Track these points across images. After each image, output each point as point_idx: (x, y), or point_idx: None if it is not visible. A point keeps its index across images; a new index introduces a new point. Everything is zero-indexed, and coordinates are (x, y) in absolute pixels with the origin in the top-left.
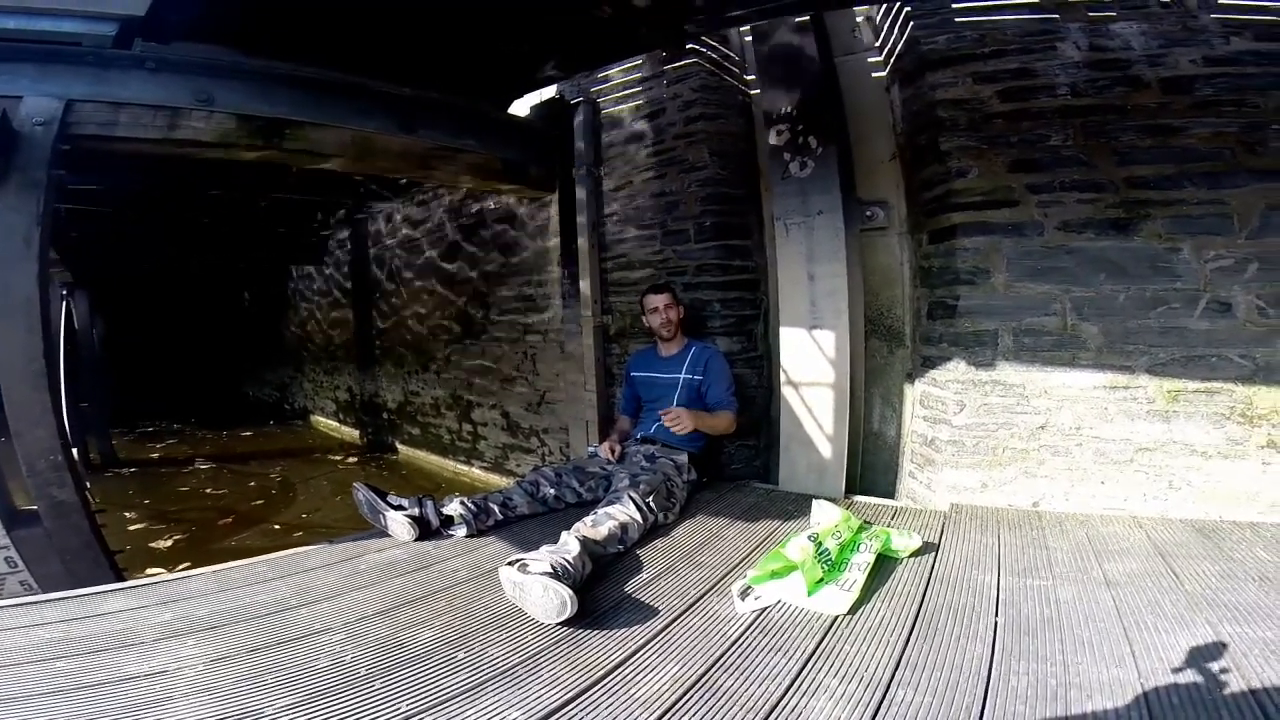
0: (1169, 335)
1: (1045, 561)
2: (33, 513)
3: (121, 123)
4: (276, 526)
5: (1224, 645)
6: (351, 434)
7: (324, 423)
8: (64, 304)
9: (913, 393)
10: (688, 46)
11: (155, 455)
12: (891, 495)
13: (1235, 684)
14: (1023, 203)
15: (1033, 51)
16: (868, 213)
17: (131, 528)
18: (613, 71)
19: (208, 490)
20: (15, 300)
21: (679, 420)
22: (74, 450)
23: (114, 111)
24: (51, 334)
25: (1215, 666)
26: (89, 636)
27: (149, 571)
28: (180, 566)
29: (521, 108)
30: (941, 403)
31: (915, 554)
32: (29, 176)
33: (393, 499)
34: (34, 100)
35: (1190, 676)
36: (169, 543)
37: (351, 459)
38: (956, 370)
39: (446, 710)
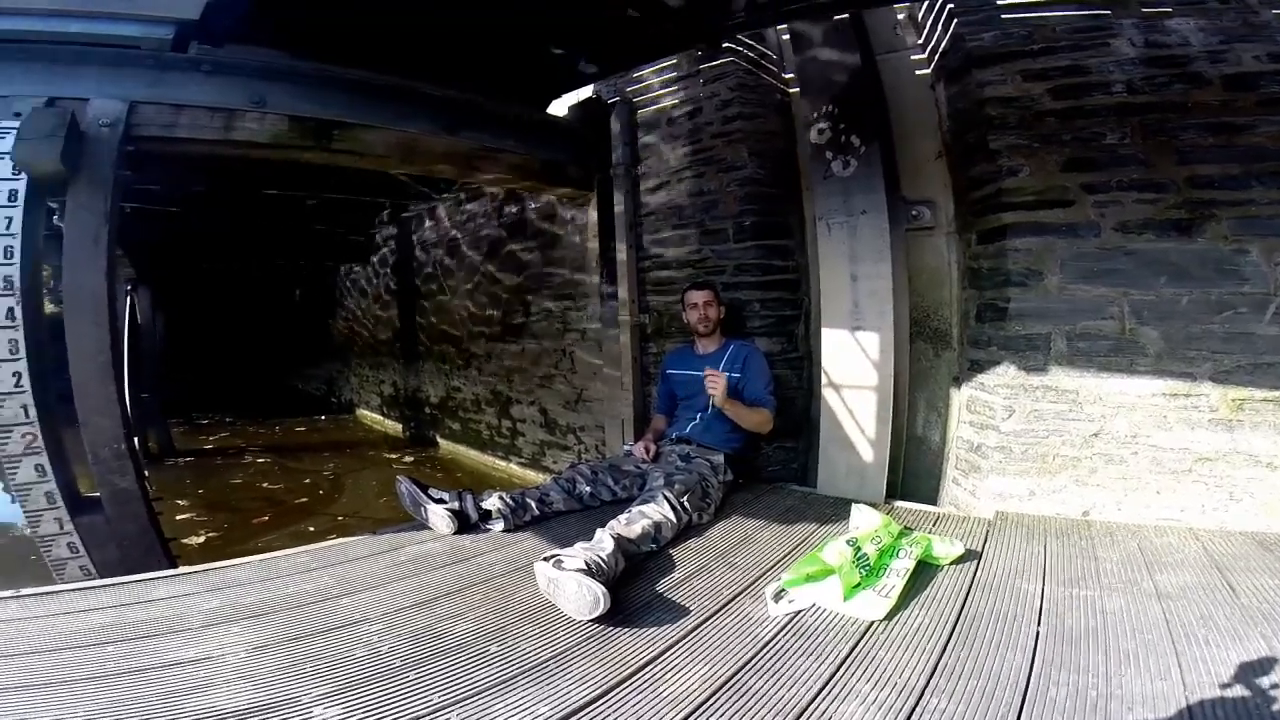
0: (1234, 341)
1: (1093, 572)
2: (95, 499)
3: (181, 124)
4: (311, 529)
5: (1278, 661)
6: (395, 427)
7: (369, 416)
8: (128, 299)
9: (959, 397)
10: (724, 45)
11: (210, 446)
12: (934, 501)
13: None
14: (1077, 203)
15: (1084, 48)
16: (913, 212)
17: (179, 517)
18: (649, 71)
19: (258, 483)
20: (85, 296)
21: (718, 382)
22: (134, 440)
23: (174, 113)
24: (118, 328)
25: (1266, 682)
26: (139, 622)
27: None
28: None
29: (559, 108)
30: (989, 408)
31: (957, 561)
32: (97, 176)
33: (434, 492)
34: (100, 102)
35: (1239, 691)
36: (202, 539)
37: (407, 458)
38: (1006, 375)
39: (477, 703)
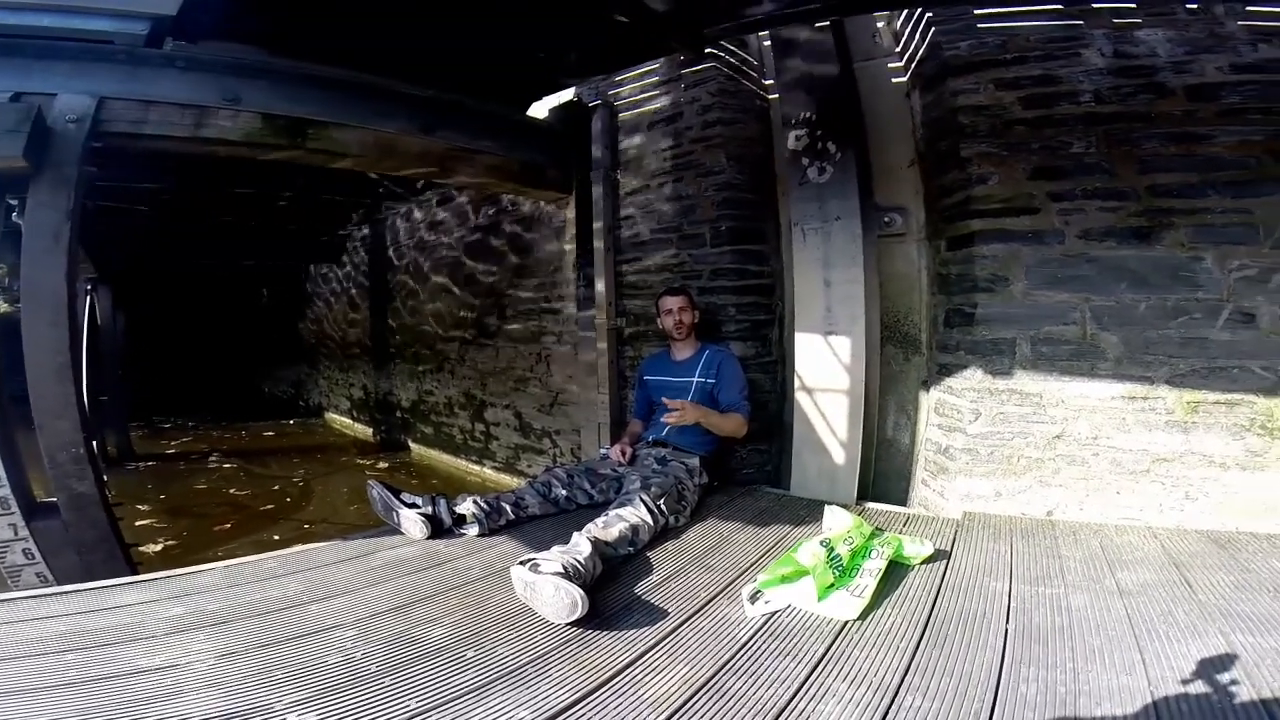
0: (1190, 346)
1: (1058, 570)
2: (51, 504)
3: (151, 120)
4: (275, 538)
5: (1236, 656)
6: (365, 431)
7: (338, 420)
8: (87, 299)
9: (928, 400)
10: (706, 51)
11: (172, 450)
12: (904, 502)
13: (1246, 694)
14: (1043, 210)
15: (1056, 58)
16: (886, 219)
17: (138, 523)
18: (631, 75)
19: (223, 489)
20: (43, 295)
21: (682, 410)
22: (93, 443)
23: (144, 109)
24: (77, 328)
25: (1226, 676)
26: (100, 630)
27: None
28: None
29: (540, 110)
30: (957, 411)
31: (927, 561)
32: (61, 173)
33: (406, 497)
34: (67, 97)
35: (1201, 686)
36: (160, 546)
37: (382, 464)
38: (973, 378)
39: (455, 708)
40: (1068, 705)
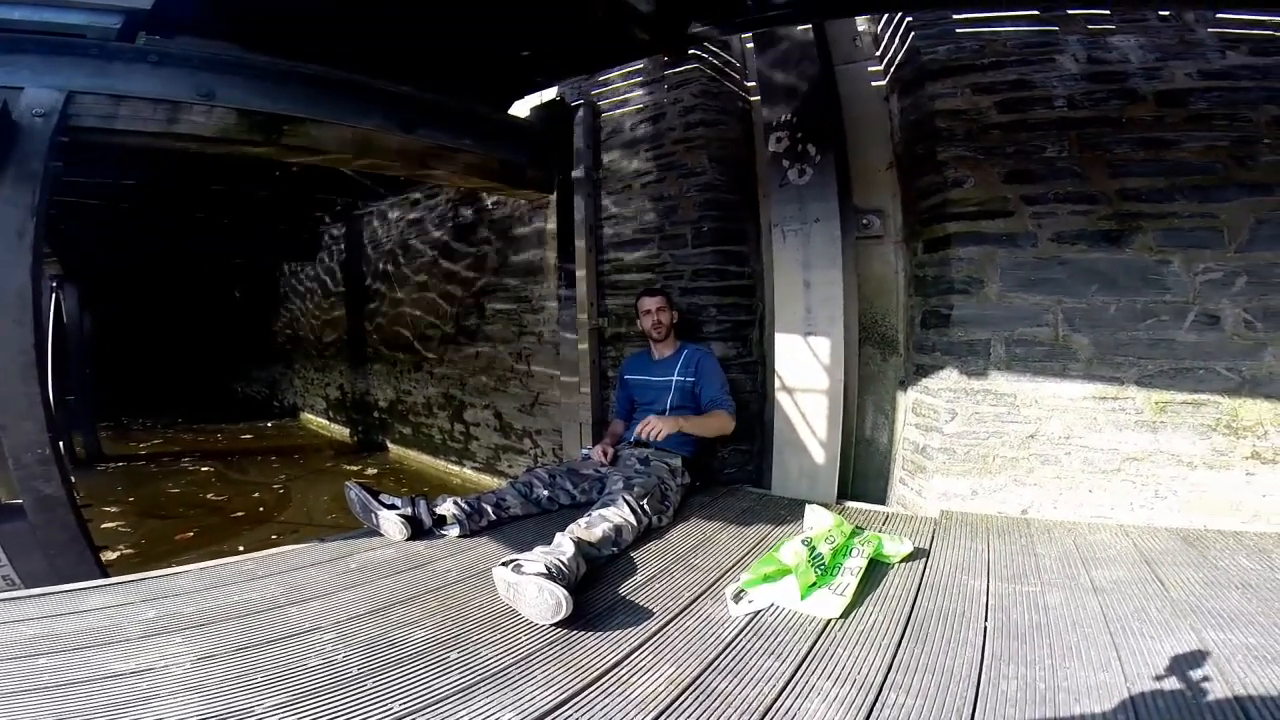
0: (1158, 347)
1: (1034, 568)
2: (17, 507)
3: (121, 116)
4: (241, 548)
5: (1207, 652)
6: (342, 432)
7: (314, 420)
8: (53, 296)
9: (905, 400)
10: (689, 52)
11: (142, 451)
12: (883, 501)
13: (1218, 689)
14: (1017, 213)
15: (1031, 63)
16: (864, 221)
17: (104, 525)
18: (614, 75)
19: (194, 492)
20: (7, 292)
21: (653, 427)
22: (60, 444)
23: (114, 104)
24: (42, 327)
25: (1199, 672)
26: (72, 633)
27: None
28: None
29: (522, 109)
30: (934, 411)
31: (906, 559)
32: (26, 168)
33: (385, 498)
34: (34, 91)
35: (1174, 682)
36: (115, 555)
37: (356, 466)
38: (949, 379)
39: (439, 711)
40: (1047, 702)
